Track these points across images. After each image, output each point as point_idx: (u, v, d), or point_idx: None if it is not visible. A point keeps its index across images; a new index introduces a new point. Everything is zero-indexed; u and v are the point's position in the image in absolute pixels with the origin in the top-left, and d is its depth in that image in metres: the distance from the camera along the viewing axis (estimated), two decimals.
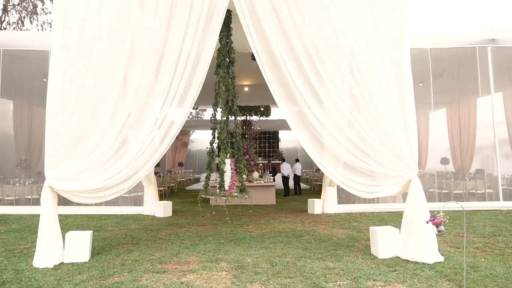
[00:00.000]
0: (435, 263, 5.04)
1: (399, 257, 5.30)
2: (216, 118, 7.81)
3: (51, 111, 5.31)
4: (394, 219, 8.65)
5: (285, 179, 14.07)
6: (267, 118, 21.14)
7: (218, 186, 7.64)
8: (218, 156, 7.58)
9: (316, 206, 9.77)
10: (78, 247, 5.34)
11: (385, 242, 5.37)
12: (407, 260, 5.18)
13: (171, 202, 9.81)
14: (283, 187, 14.20)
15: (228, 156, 7.73)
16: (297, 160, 14.98)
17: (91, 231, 5.65)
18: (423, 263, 5.02)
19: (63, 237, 5.41)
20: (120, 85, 5.54)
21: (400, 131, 5.37)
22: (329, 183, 9.55)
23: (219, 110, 7.79)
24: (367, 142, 5.50)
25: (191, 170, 24.65)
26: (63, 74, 5.32)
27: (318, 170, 22.00)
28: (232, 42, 7.84)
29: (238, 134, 7.84)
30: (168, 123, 5.71)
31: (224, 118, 7.82)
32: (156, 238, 6.89)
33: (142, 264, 5.22)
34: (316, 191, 15.91)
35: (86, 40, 5.43)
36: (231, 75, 7.86)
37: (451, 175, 12.98)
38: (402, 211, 9.98)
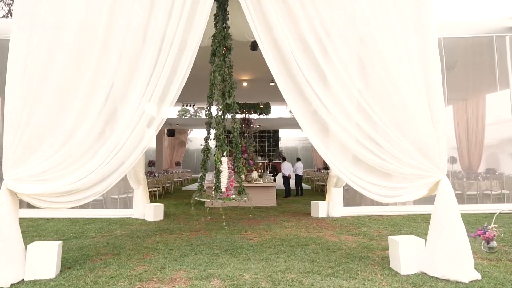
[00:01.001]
0: (471, 281, 4.11)
1: (426, 274, 4.37)
2: (211, 112, 6.91)
3: (10, 103, 4.38)
4: (407, 223, 7.73)
5: (286, 179, 13.15)
6: (267, 116, 20.21)
7: (213, 187, 6.71)
8: (214, 154, 6.64)
9: (321, 208, 8.85)
10: (43, 261, 4.40)
11: (408, 255, 4.45)
12: (436, 278, 4.25)
13: (162, 204, 8.89)
14: (283, 188, 13.28)
15: (225, 154, 6.83)
16: (298, 159, 14.05)
17: (60, 242, 4.72)
18: (457, 282, 4.10)
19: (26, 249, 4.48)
20: (93, 73, 4.60)
21: (425, 120, 4.44)
22: (335, 184, 8.62)
23: (214, 105, 6.86)
24: (381, 132, 4.56)
25: (189, 170, 23.71)
26: (23, 63, 4.40)
27: (319, 169, 21.10)
28: (228, 28, 6.92)
29: (236, 130, 6.94)
30: (148, 117, 4.76)
31: (221, 112, 6.89)
32: (141, 247, 5.96)
33: (118, 281, 4.29)
34: (318, 192, 15.00)
35: (50, 24, 4.50)
36: (227, 64, 6.96)
37: (463, 174, 12.07)
38: (414, 215, 9.15)
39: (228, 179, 6.63)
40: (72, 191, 4.45)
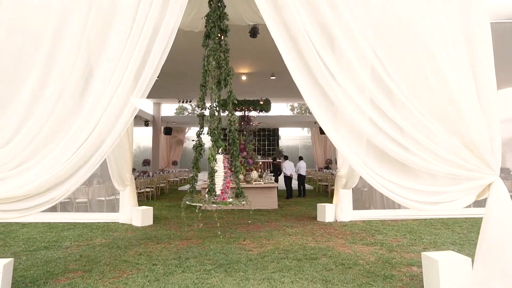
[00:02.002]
0: None
1: None
2: (204, 102, 5.91)
3: None
4: (426, 230, 6.72)
5: (287, 179, 12.12)
6: (267, 114, 19.17)
7: (207, 189, 5.69)
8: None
9: (328, 212, 7.83)
10: None
11: (450, 278, 3.44)
12: None
13: (151, 208, 7.86)
14: (284, 188, 12.27)
15: (220, 151, 5.83)
16: (300, 158, 13.03)
17: (10, 260, 3.70)
18: None
19: None
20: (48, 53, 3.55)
21: (472, 107, 3.42)
22: (344, 185, 7.60)
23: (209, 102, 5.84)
24: (412, 119, 3.52)
25: (186, 169, 22.68)
26: None
27: (320, 169, 20.12)
28: (225, 7, 5.90)
29: (233, 123, 5.96)
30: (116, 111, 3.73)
31: (215, 103, 5.89)
32: (119, 261, 4.94)
33: None
34: (322, 193, 14.00)
35: None
36: (223, 48, 5.96)
37: None
38: (432, 219, 7.79)
39: (224, 180, 5.64)
40: (29, 194, 3.42)
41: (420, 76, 3.55)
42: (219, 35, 5.91)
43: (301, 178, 12.44)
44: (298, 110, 28.00)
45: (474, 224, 7.07)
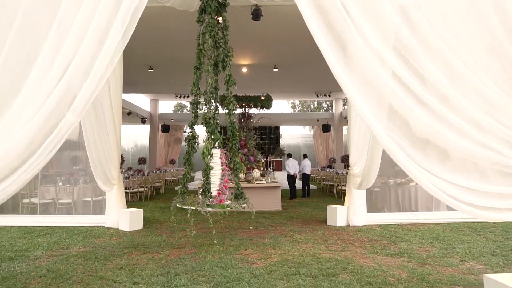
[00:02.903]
0: None
1: None
2: (198, 87, 4.99)
3: None
4: (455, 237, 5.77)
5: (291, 178, 11.16)
6: (268, 111, 18.20)
7: (201, 190, 4.77)
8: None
9: (339, 215, 6.88)
10: None
11: None
12: None
13: (141, 210, 6.89)
14: (287, 188, 11.31)
15: (217, 144, 4.91)
16: (305, 156, 12.07)
17: None
18: None
19: None
20: None
21: None
22: (359, 185, 6.63)
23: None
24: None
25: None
26: None
27: (323, 168, 19.17)
28: None
29: (232, 112, 5.05)
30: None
31: (212, 86, 4.99)
32: (94, 277, 3.99)
33: None
34: (326, 193, 13.05)
35: None
36: (222, 25, 5.07)
37: None
38: (456, 223, 6.68)
39: (221, 179, 4.72)
40: None
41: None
42: (216, 7, 5.01)
43: (305, 177, 11.48)
44: (300, 108, 27.07)
45: (507, 230, 6.13)
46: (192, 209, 4.50)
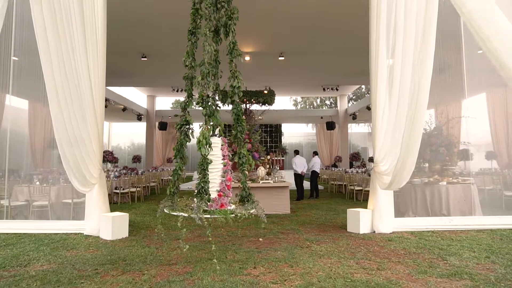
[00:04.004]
0: None
1: None
2: (193, 57, 3.85)
3: None
4: (510, 247, 4.58)
5: (298, 177, 9.96)
6: (270, 108, 16.95)
7: (195, 191, 3.57)
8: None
9: (363, 220, 5.68)
10: None
11: None
12: None
13: (127, 215, 5.67)
14: (294, 188, 10.11)
15: (217, 132, 3.77)
16: (315, 154, 10.86)
17: None
18: None
19: None
20: None
21: None
22: (389, 185, 5.42)
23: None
24: None
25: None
26: None
27: (327, 167, 17.97)
28: None
29: (237, 90, 3.92)
30: None
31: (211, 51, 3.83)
32: None
33: None
34: (335, 193, 11.86)
35: None
36: None
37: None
38: (500, 229, 5.47)
39: (223, 177, 3.55)
40: None
41: None
42: None
43: (314, 176, 10.28)
44: (302, 105, 25.81)
45: None
46: (184, 217, 3.33)
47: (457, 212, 6.43)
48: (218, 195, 3.52)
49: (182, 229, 3.26)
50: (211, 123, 3.63)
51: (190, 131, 3.76)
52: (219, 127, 3.84)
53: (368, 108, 15.95)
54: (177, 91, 14.30)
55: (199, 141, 3.42)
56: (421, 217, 6.37)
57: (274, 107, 16.79)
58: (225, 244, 4.92)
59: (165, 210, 3.51)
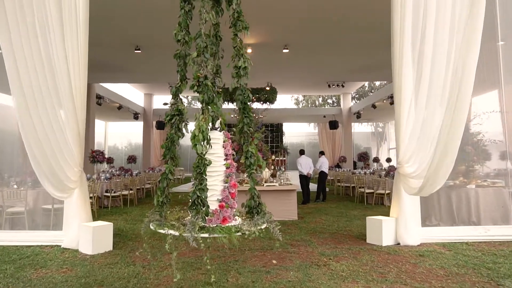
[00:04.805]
0: None
1: None
2: (187, 30, 2.97)
3: None
4: None
5: (303, 179, 9.11)
6: (271, 106, 16.08)
7: (190, 201, 2.65)
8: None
9: (386, 230, 4.83)
10: None
11: None
12: None
13: (111, 224, 4.80)
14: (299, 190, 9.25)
15: (217, 125, 2.91)
16: (322, 153, 10.02)
17: None
18: None
19: None
20: None
21: None
22: (419, 190, 4.56)
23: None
24: None
25: (182, 168, 19.59)
26: None
27: (330, 167, 17.10)
28: None
29: (242, 70, 3.01)
30: None
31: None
32: None
33: None
34: (342, 196, 11.01)
35: None
36: None
37: None
38: None
39: (227, 182, 2.69)
40: None
41: None
42: None
43: (323, 177, 9.43)
44: (304, 104, 24.95)
45: None
46: (175, 236, 2.51)
47: (488, 220, 5.59)
48: (219, 206, 2.68)
49: (171, 252, 2.42)
50: (210, 113, 2.80)
51: (183, 123, 2.92)
52: (220, 118, 3.00)
53: (374, 106, 15.15)
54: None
55: (194, 136, 2.58)
56: (450, 226, 5.53)
57: (275, 105, 15.99)
58: (225, 260, 4.07)
59: (151, 227, 2.68)
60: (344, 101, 18.06)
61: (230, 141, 2.89)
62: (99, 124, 20.64)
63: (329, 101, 24.81)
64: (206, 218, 2.57)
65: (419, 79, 4.59)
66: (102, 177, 8.81)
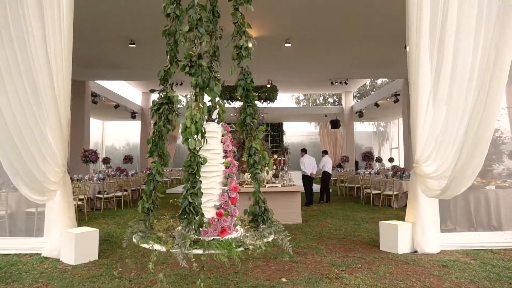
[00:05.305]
0: None
1: None
2: (178, 2, 2.40)
3: None
4: None
5: (307, 179, 8.61)
6: (271, 105, 15.54)
7: (180, 209, 2.08)
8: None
9: (401, 237, 4.33)
10: None
11: None
12: None
13: (96, 230, 4.28)
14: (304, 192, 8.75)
15: (215, 116, 2.37)
16: (325, 153, 9.54)
17: None
18: None
19: None
20: None
21: None
22: (442, 192, 4.05)
23: None
24: None
25: (180, 168, 19.07)
26: None
27: (332, 167, 16.57)
28: None
29: (244, 51, 2.42)
30: None
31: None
32: None
33: None
34: (346, 197, 10.52)
35: None
36: None
37: None
38: None
39: (226, 185, 2.14)
40: None
41: None
42: None
43: (326, 177, 8.94)
44: (305, 103, 24.45)
45: None
46: (160, 252, 2.02)
47: (510, 224, 5.10)
48: (216, 214, 2.20)
49: (157, 275, 1.92)
50: (207, 103, 2.33)
51: (174, 114, 2.43)
52: (218, 109, 2.50)
53: (377, 105, 14.67)
54: (177, 85, 12.90)
55: (185, 128, 2.09)
56: (468, 230, 5.04)
57: (275, 105, 15.50)
58: (224, 272, 3.56)
59: (134, 239, 2.20)
60: (346, 99, 17.58)
61: (230, 135, 2.40)
62: (97, 124, 20.12)
63: (330, 100, 24.30)
64: (201, 229, 2.08)
65: (438, 72, 4.10)
66: (95, 178, 8.30)
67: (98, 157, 8.88)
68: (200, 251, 1.93)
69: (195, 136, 2.04)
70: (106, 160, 15.76)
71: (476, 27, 3.82)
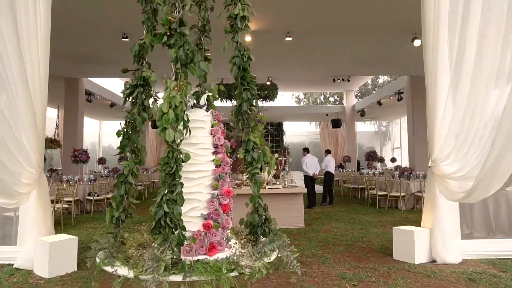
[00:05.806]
0: None
1: None
2: None
3: None
4: None
5: (309, 180, 8.11)
6: (271, 104, 15.02)
7: (155, 221, 1.48)
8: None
9: (418, 245, 3.83)
10: None
11: None
12: None
13: (75, 238, 3.77)
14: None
15: (203, 101, 1.76)
16: (328, 152, 9.05)
17: None
18: None
19: None
20: None
21: None
22: (467, 195, 3.54)
23: None
24: None
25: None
26: None
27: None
28: None
29: (239, 21, 1.80)
30: None
31: None
32: None
33: None
34: (349, 198, 10.02)
35: None
36: None
37: None
38: None
39: (217, 189, 1.57)
40: None
41: None
42: None
43: (329, 178, 8.44)
44: (306, 102, 23.94)
45: None
46: (122, 278, 1.48)
47: None
48: (203, 226, 1.70)
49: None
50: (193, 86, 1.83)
51: (151, 98, 1.95)
52: (205, 93, 1.99)
53: (379, 103, 14.19)
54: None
55: (161, 115, 1.58)
56: (486, 236, 4.54)
57: (275, 104, 15.00)
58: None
59: (97, 259, 1.70)
60: (347, 98, 17.08)
61: (221, 125, 1.90)
62: (94, 124, 19.61)
63: (331, 99, 23.80)
64: (183, 247, 1.58)
65: (459, 65, 3.61)
66: (85, 179, 7.79)
67: (89, 157, 8.37)
68: (179, 278, 1.43)
69: (175, 125, 1.54)
70: (101, 161, 15.26)
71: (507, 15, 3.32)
